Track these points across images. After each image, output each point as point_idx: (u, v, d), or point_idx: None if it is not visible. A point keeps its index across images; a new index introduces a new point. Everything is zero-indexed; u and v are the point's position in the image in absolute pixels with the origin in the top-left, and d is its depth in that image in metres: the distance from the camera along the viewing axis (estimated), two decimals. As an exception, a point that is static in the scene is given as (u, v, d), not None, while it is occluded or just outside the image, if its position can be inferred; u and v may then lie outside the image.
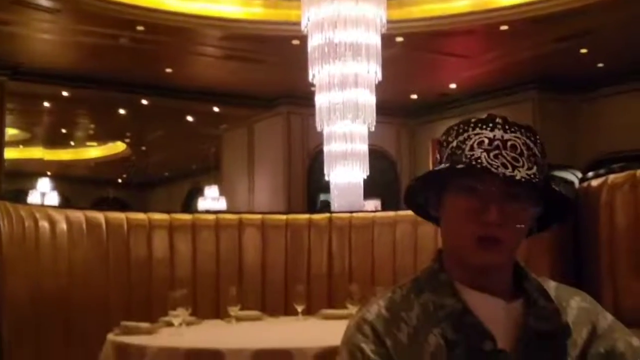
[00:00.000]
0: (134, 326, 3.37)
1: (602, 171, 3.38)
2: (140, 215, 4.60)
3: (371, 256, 4.79)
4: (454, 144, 1.27)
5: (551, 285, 1.35)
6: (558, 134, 11.06)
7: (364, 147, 6.96)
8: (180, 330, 3.27)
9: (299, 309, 3.92)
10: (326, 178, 7.08)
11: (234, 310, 3.75)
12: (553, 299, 1.30)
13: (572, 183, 3.81)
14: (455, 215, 1.26)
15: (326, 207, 7.96)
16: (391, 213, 4.97)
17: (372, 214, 5.22)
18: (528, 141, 1.25)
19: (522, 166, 1.21)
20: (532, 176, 1.20)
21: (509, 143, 1.23)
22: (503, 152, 1.22)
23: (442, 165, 1.26)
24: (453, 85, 12.11)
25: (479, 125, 1.27)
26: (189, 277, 4.57)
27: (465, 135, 1.26)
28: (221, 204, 14.70)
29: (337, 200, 6.96)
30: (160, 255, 4.54)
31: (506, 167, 1.20)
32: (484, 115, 1.29)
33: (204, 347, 2.92)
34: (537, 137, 1.27)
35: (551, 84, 11.50)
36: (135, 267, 4.41)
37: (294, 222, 4.94)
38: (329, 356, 2.74)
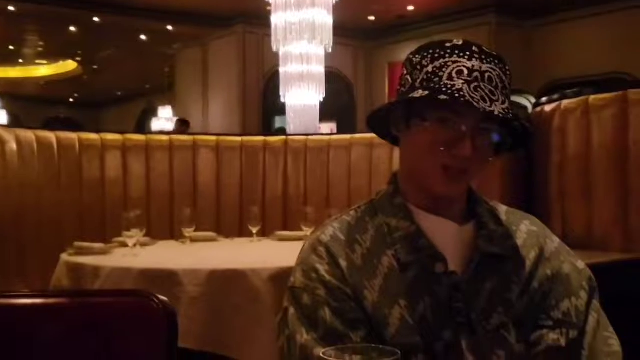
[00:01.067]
0: (88, 246, 3.36)
1: (555, 96, 3.41)
2: (93, 136, 4.54)
3: (326, 179, 4.82)
4: (429, 68, 1.23)
5: (502, 210, 1.37)
6: (513, 58, 11.04)
7: (320, 69, 6.90)
8: (135, 251, 3.25)
9: (254, 230, 3.93)
10: (282, 100, 7.03)
11: (188, 232, 3.75)
12: (504, 222, 1.32)
13: (525, 108, 3.85)
14: (425, 143, 1.24)
15: (281, 133, 7.95)
16: (347, 136, 4.98)
17: (328, 136, 5.23)
18: (501, 73, 1.24)
19: (498, 100, 1.19)
20: (506, 111, 1.19)
21: (486, 75, 1.21)
22: (481, 84, 1.19)
23: (421, 93, 1.21)
24: (411, 8, 12.00)
25: (456, 52, 1.23)
26: (143, 198, 4.56)
27: (442, 61, 1.23)
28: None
29: (293, 122, 6.94)
30: (113, 175, 4.50)
31: (485, 101, 1.17)
32: (459, 41, 1.25)
33: (158, 267, 2.91)
34: (508, 67, 1.27)
35: (508, 8, 11.48)
36: (87, 188, 4.37)
37: (249, 144, 4.93)
38: (283, 277, 2.76)
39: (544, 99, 3.55)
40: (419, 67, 1.25)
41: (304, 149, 4.92)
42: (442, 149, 1.21)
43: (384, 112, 1.32)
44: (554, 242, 1.35)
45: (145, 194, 4.59)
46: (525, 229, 1.34)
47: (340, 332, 1.18)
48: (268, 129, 12.23)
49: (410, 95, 1.22)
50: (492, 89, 1.20)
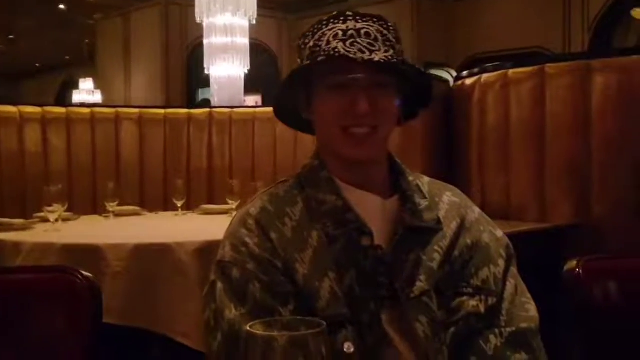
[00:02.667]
0: (7, 222, 3.29)
1: (475, 70, 3.47)
2: (11, 108, 4.41)
3: (251, 151, 4.82)
4: (311, 43, 1.28)
5: (425, 181, 1.40)
6: (435, 33, 11.24)
7: (244, 41, 6.85)
8: (57, 226, 3.19)
9: (179, 204, 3.92)
10: (206, 72, 6.96)
11: (111, 206, 3.72)
12: (426, 194, 1.34)
13: (447, 82, 3.91)
14: (327, 113, 1.28)
15: (206, 104, 7.88)
16: (271, 108, 4.97)
17: (253, 109, 5.21)
18: (381, 28, 1.27)
19: (379, 50, 1.23)
20: (390, 57, 1.22)
21: (362, 31, 1.25)
22: (358, 39, 1.23)
23: (304, 63, 1.27)
24: (334, -21, 11.98)
25: (332, 20, 1.28)
26: (64, 172, 4.47)
27: (320, 33, 1.27)
28: (97, 97, 14.22)
29: (217, 94, 6.88)
30: (33, 149, 4.39)
31: (363, 52, 1.21)
32: (334, 13, 1.30)
33: (82, 242, 2.88)
34: (390, 24, 1.30)
35: (431, -18, 11.60)
36: (6, 162, 4.26)
37: (173, 117, 4.88)
38: (209, 250, 2.77)
39: (464, 73, 3.61)
40: (303, 46, 1.30)
41: (228, 121, 4.90)
42: (341, 112, 1.25)
43: (290, 105, 1.34)
44: (474, 212, 1.38)
45: (67, 168, 4.51)
46: (447, 199, 1.37)
47: (269, 306, 1.18)
48: (192, 101, 12.08)
49: (294, 69, 1.27)
50: (371, 42, 1.23)
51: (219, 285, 1.23)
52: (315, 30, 1.28)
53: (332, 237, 1.24)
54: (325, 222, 1.25)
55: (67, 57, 18.06)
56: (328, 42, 1.24)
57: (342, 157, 1.29)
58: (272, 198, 1.30)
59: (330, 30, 1.26)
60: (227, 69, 6.82)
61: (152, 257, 2.79)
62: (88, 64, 15.37)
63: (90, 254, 2.75)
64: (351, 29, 1.25)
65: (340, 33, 1.24)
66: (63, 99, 17.65)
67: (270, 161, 4.77)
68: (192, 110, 5.01)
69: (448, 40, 11.52)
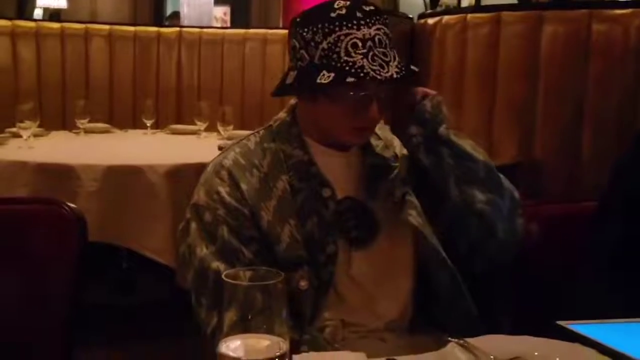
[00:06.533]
0: (-21, 136, 3.35)
1: (438, 10, 3.60)
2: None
3: (220, 73, 4.90)
4: (324, 45, 1.33)
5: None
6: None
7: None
8: (29, 142, 3.27)
9: (148, 123, 4.01)
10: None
11: (82, 123, 3.77)
12: (380, 136, 1.53)
13: (411, 19, 4.04)
14: (334, 114, 1.38)
15: (175, 16, 7.82)
16: (241, 30, 5.05)
17: (222, 30, 5.28)
18: (385, 28, 1.37)
19: (391, 60, 1.33)
20: (401, 68, 1.34)
21: (376, 39, 1.32)
22: (375, 50, 1.31)
23: (327, 75, 1.31)
24: None
25: (344, 23, 1.32)
26: (34, 88, 4.52)
27: (334, 36, 1.32)
28: (61, 2, 13.91)
29: (187, 11, 6.89)
30: (2, 64, 4.43)
31: (383, 68, 1.30)
32: (342, 10, 1.34)
33: (55, 162, 2.96)
34: (386, 16, 1.40)
35: None
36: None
37: (142, 35, 4.93)
38: (178, 173, 2.92)
39: (427, 12, 3.74)
40: (312, 43, 1.35)
41: (198, 41, 4.95)
42: (354, 115, 1.37)
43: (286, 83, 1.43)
44: None
45: (37, 84, 4.56)
46: (397, 140, 1.56)
47: (235, 247, 1.36)
48: (160, 12, 11.91)
49: (319, 81, 1.32)
50: (384, 50, 1.33)
51: (193, 224, 1.41)
52: (327, 31, 1.33)
53: (296, 188, 1.42)
54: (291, 174, 1.42)
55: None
56: (347, 53, 1.31)
57: (340, 143, 1.45)
58: (243, 150, 1.45)
59: (346, 36, 1.32)
60: (197, -15, 6.82)
61: (124, 178, 2.91)
62: (52, -34, 14.92)
63: (64, 173, 2.87)
64: (368, 38, 1.32)
65: (360, 44, 1.31)
66: (25, 3, 17.19)
67: (238, 83, 4.87)
68: (162, 29, 5.07)
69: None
